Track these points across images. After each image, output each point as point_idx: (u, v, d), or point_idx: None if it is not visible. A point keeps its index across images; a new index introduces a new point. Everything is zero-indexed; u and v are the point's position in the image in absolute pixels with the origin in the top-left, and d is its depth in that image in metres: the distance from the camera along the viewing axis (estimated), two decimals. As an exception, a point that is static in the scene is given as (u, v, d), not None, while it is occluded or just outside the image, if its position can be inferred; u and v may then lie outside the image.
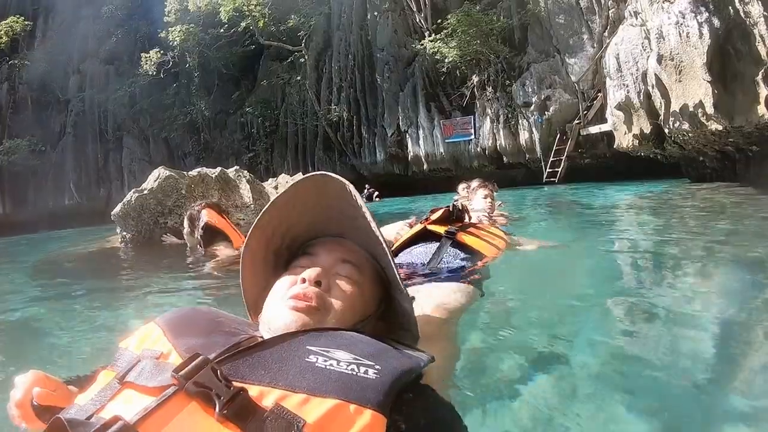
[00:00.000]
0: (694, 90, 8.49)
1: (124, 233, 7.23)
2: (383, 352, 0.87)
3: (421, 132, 20.27)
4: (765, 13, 7.31)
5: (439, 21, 18.16)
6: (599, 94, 14.94)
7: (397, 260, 2.33)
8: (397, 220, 3.15)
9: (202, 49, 24.79)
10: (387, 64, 21.63)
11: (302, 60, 23.91)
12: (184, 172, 7.59)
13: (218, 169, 7.93)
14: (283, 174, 14.34)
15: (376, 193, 18.67)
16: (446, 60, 17.92)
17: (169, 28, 23.64)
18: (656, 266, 3.30)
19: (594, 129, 14.94)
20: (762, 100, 7.58)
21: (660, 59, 9.02)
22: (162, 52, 24.53)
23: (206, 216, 4.83)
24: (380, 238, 1.05)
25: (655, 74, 9.41)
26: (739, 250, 3.48)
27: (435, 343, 1.45)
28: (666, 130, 9.96)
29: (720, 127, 8.37)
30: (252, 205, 7.48)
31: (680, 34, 8.43)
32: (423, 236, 2.65)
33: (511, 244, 3.05)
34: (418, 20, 20.58)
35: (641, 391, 1.50)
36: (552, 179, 15.68)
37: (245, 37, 24.38)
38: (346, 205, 1.07)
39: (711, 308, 2.24)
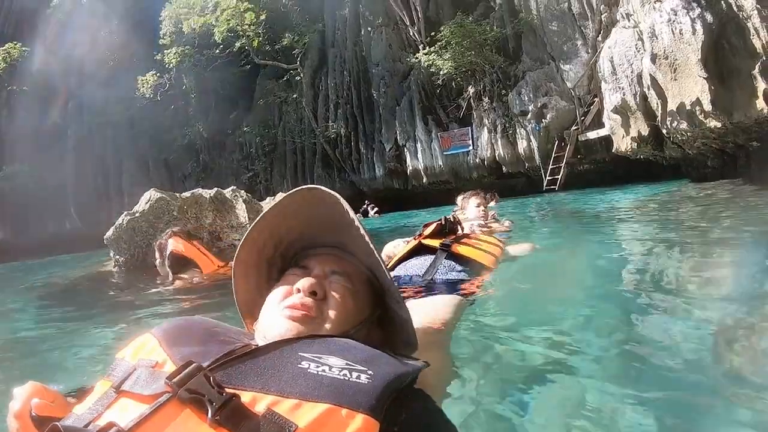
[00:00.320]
0: (691, 87, 8.39)
1: (117, 257, 7.22)
2: (376, 357, 0.88)
3: (419, 145, 20.19)
4: (758, 5, 7.23)
5: (433, 33, 18.15)
6: (595, 99, 14.90)
7: (393, 274, 2.43)
8: (396, 236, 3.30)
9: (198, 70, 24.94)
10: (383, 79, 21.65)
11: (298, 78, 24.01)
12: (177, 194, 7.60)
13: (214, 189, 7.96)
14: (280, 193, 14.24)
15: (376, 209, 18.53)
16: (441, 72, 17.88)
17: (165, 51, 23.87)
18: (662, 267, 3.26)
19: (592, 134, 14.85)
20: (760, 93, 7.47)
21: (654, 58, 8.94)
22: (158, 74, 24.64)
23: (172, 245, 4.95)
24: (371, 246, 1.06)
25: (650, 74, 9.33)
26: (745, 249, 3.43)
27: (428, 352, 1.42)
28: (664, 131, 9.85)
29: (719, 124, 8.24)
30: (248, 226, 7.39)
31: (673, 31, 8.36)
32: (418, 251, 2.74)
33: (506, 250, 3.14)
34: (411, 34, 20.64)
35: (647, 397, 1.44)
36: (552, 187, 15.52)
37: (241, 57, 24.49)
38: (337, 216, 1.08)
39: (721, 311, 2.16)
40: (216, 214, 7.50)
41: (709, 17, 7.92)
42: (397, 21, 21.32)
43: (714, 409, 1.38)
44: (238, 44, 22.72)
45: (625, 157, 12.39)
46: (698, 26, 7.97)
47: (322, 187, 1.07)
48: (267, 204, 10.48)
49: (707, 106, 8.12)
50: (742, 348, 1.75)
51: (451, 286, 2.39)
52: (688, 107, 8.47)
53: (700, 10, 8.00)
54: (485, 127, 18.06)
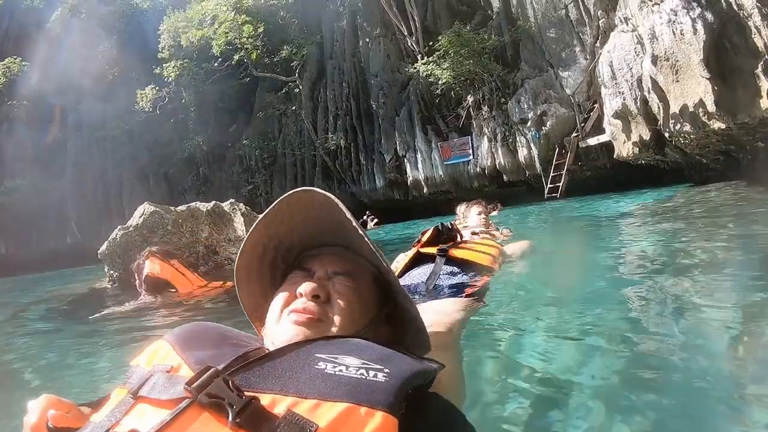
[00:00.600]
0: (693, 89, 8.25)
1: (112, 272, 7.10)
2: (391, 356, 0.88)
3: (419, 156, 20.11)
4: (758, 3, 7.13)
5: (431, 43, 18.15)
6: (595, 105, 14.79)
7: None
8: (396, 245, 3.32)
9: (197, 83, 25.00)
10: (381, 90, 21.61)
11: (297, 90, 24.05)
12: (171, 207, 7.51)
13: (212, 203, 7.88)
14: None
15: (375, 220, 18.37)
16: (440, 82, 17.83)
17: (164, 64, 23.96)
18: (667, 270, 3.23)
19: (592, 140, 14.71)
20: (764, 93, 7.35)
21: (655, 60, 8.82)
22: (157, 88, 24.71)
23: (149, 267, 4.93)
24: (370, 244, 1.06)
25: (651, 77, 9.21)
26: (750, 251, 3.41)
27: (440, 352, 1.40)
28: (666, 134, 9.71)
29: (723, 126, 8.09)
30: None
31: (674, 32, 8.25)
32: (418, 260, 2.78)
33: (503, 250, 3.17)
34: (410, 44, 20.65)
35: (653, 399, 1.46)
36: (554, 194, 15.37)
37: (239, 70, 24.56)
38: (335, 216, 1.07)
39: (726, 313, 2.14)
40: (212, 228, 7.43)
41: (709, 16, 7.81)
42: (394, 31, 21.36)
43: (720, 411, 1.37)
44: (236, 57, 22.79)
45: (627, 163, 12.25)
46: (699, 26, 7.86)
47: (316, 189, 1.06)
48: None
49: (711, 107, 7.97)
50: (746, 351, 1.74)
51: (455, 291, 2.41)
52: (691, 109, 8.31)
53: (700, 9, 7.90)
54: (485, 136, 17.97)
